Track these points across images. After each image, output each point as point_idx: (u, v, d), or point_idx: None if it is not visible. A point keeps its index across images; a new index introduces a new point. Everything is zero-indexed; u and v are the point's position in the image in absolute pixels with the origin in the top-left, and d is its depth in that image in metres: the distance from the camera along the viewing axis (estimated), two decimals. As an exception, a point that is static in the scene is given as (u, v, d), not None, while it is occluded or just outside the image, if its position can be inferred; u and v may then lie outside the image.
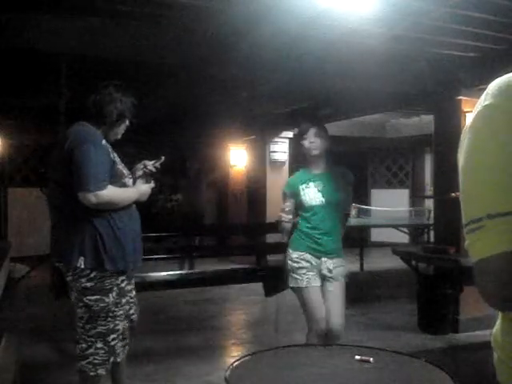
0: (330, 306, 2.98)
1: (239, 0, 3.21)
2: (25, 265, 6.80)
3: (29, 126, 8.04)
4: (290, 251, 3.06)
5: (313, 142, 3.07)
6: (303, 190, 3.03)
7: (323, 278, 3.01)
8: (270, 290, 5.56)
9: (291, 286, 3.05)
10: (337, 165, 3.22)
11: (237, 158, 9.81)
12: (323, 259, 2.99)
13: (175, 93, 6.02)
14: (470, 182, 0.82)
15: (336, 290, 3.00)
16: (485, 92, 0.85)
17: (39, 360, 3.95)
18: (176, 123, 8.10)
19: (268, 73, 4.59)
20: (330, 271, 2.99)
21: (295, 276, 3.00)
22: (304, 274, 2.98)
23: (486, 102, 0.82)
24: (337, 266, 3.03)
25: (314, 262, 2.99)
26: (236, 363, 1.89)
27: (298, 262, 3.00)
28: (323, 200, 3.00)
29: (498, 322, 0.91)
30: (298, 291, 3.01)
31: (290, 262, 3.04)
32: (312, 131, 3.09)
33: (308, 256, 3.00)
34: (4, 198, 8.73)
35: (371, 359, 1.89)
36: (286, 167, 9.24)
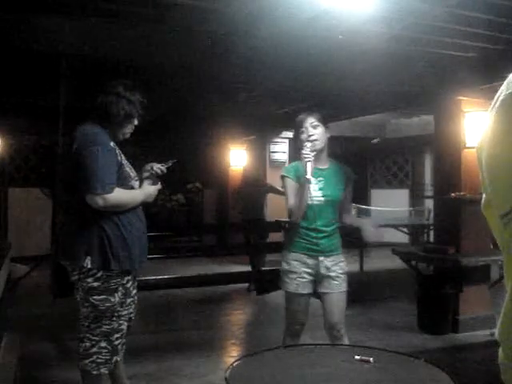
0: (329, 306, 2.86)
1: (240, 1, 3.21)
2: (25, 265, 6.80)
3: (29, 126, 8.04)
4: (286, 252, 2.90)
5: (311, 134, 2.75)
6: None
7: (321, 278, 2.84)
8: (262, 290, 5.65)
9: (282, 288, 2.90)
10: (335, 160, 2.98)
11: (237, 158, 9.82)
12: (320, 258, 2.82)
13: (175, 93, 6.02)
14: (503, 170, 0.79)
15: (335, 288, 2.84)
16: (506, 81, 0.84)
17: (40, 360, 3.95)
18: (175, 123, 8.10)
19: (268, 73, 4.59)
20: (328, 269, 2.82)
21: (285, 279, 2.85)
22: (294, 278, 2.82)
23: (511, 90, 0.81)
24: (335, 263, 2.84)
25: (310, 263, 2.82)
26: (236, 363, 1.89)
27: (290, 264, 2.84)
28: (322, 199, 2.80)
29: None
30: (286, 294, 2.90)
31: (283, 263, 2.88)
32: (309, 122, 2.76)
33: (304, 257, 2.82)
34: (4, 198, 8.73)
35: (371, 359, 1.89)
36: (286, 167, 9.23)
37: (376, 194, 11.68)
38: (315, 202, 2.79)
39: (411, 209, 10.49)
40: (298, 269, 2.83)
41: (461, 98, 4.73)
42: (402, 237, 8.89)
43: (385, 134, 10.13)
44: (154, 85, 5.30)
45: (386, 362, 1.95)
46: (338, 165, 2.94)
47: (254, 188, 6.81)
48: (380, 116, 8.43)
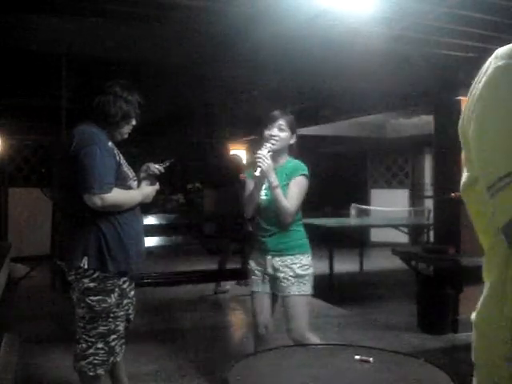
0: (283, 309, 2.81)
1: (240, 1, 3.22)
2: (25, 265, 6.80)
3: (29, 126, 8.03)
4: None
5: (274, 135, 2.73)
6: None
7: (270, 278, 2.81)
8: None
9: None
10: (295, 159, 2.85)
11: (237, 158, 9.80)
12: (267, 257, 2.79)
13: (175, 93, 6.03)
14: (493, 140, 0.77)
15: (282, 290, 2.77)
16: (492, 57, 0.84)
17: (40, 360, 3.95)
18: (176, 123, 8.10)
19: (268, 73, 4.60)
20: (276, 270, 2.76)
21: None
22: (251, 278, 2.88)
23: (500, 63, 0.81)
24: (286, 265, 2.74)
25: (261, 261, 2.83)
26: (236, 363, 1.89)
27: (249, 264, 2.90)
28: (265, 197, 2.77)
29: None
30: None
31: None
32: (278, 123, 2.74)
33: (257, 255, 2.86)
34: (4, 198, 8.73)
35: (371, 359, 1.89)
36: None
37: (376, 194, 11.67)
38: (261, 201, 2.79)
39: (411, 209, 10.49)
40: (252, 267, 2.88)
41: (461, 98, 4.73)
42: (401, 237, 8.88)
43: (385, 134, 10.13)
44: (153, 85, 5.31)
45: (386, 362, 1.94)
46: (293, 163, 2.83)
47: (229, 183, 6.61)
48: (380, 116, 8.43)
